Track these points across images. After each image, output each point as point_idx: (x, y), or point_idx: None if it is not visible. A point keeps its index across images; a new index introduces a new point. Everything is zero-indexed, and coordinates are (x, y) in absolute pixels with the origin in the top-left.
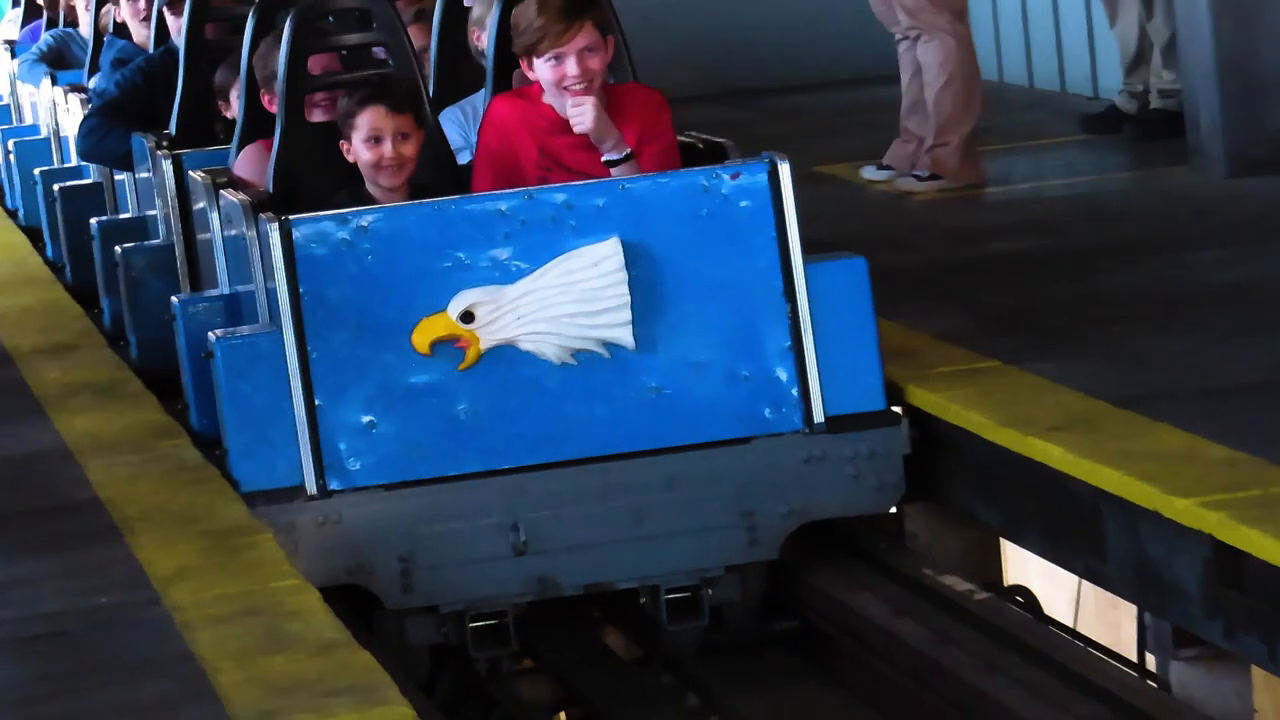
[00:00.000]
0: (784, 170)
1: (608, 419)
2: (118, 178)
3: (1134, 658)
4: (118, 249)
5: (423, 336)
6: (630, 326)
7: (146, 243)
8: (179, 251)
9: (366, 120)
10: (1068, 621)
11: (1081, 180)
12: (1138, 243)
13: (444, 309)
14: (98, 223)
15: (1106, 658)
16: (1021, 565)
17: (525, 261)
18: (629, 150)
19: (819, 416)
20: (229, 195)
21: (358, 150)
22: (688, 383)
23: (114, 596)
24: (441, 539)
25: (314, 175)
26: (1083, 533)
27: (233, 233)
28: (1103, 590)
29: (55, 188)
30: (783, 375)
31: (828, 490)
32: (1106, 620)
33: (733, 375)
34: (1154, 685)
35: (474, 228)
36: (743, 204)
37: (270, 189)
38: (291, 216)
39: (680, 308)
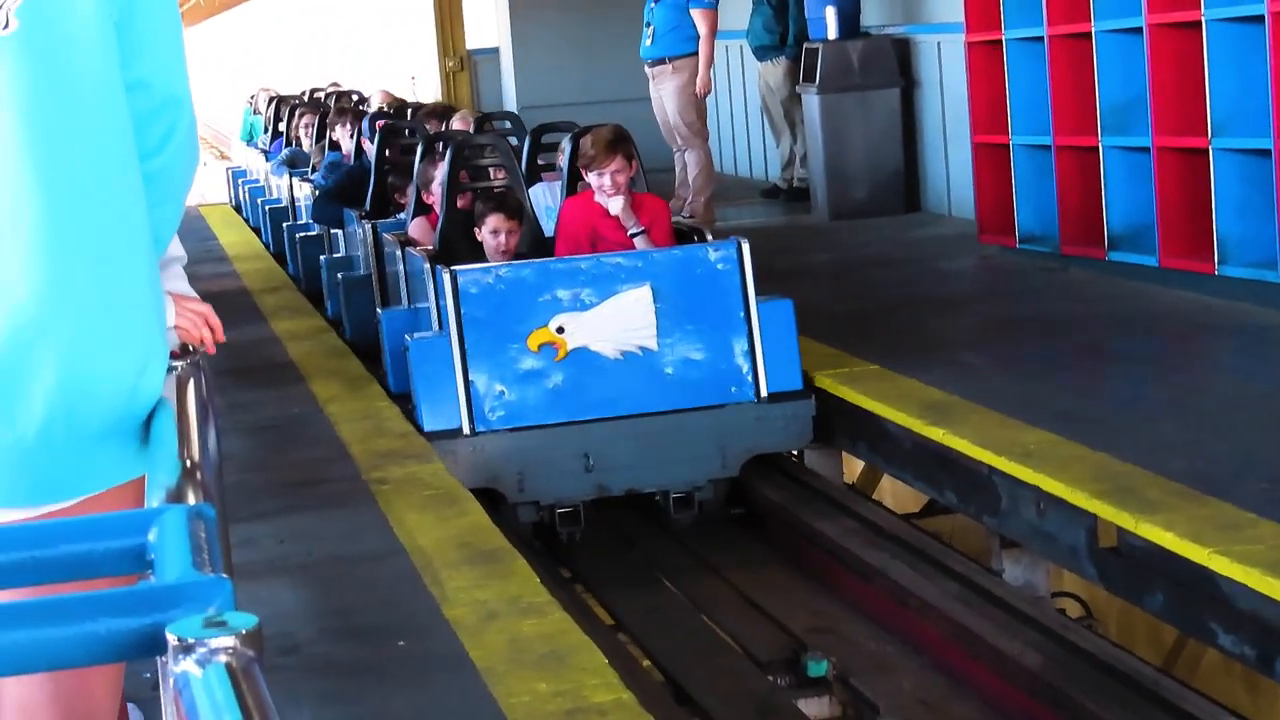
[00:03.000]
0: (745, 247)
1: (640, 391)
2: (333, 231)
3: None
4: (338, 274)
5: (534, 340)
6: (656, 337)
7: (354, 272)
8: (374, 278)
9: (491, 221)
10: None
11: (760, 219)
12: (787, 246)
13: (546, 325)
14: (325, 258)
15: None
16: None
17: (595, 297)
18: (644, 228)
19: (764, 393)
20: (413, 251)
21: (485, 236)
22: (688, 371)
23: (300, 409)
24: (542, 461)
25: (459, 241)
26: None
27: (414, 271)
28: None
29: (296, 236)
30: (744, 367)
31: (768, 436)
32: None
33: (714, 367)
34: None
35: (565, 277)
36: (720, 266)
37: (435, 247)
38: (457, 268)
39: (684, 326)
